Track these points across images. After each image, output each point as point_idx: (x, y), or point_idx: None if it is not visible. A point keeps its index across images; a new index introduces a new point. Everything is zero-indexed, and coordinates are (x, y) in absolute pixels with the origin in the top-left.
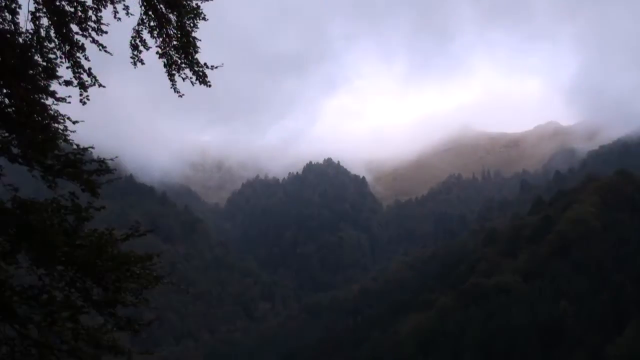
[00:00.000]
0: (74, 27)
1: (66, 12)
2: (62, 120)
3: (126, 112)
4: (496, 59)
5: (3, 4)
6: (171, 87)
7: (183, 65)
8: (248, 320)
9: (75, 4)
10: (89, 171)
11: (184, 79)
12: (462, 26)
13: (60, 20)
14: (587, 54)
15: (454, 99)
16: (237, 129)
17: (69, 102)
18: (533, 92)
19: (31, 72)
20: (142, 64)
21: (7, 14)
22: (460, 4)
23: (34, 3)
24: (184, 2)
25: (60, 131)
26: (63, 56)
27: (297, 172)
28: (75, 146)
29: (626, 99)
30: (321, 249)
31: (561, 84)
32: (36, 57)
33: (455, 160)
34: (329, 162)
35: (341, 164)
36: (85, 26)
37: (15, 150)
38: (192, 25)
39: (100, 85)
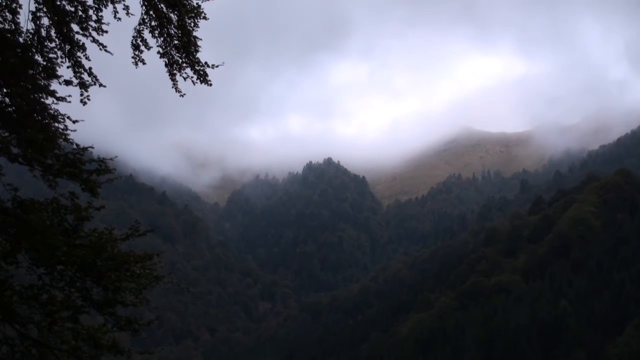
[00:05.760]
0: (75, 27)
1: (67, 11)
2: (62, 120)
3: (126, 112)
4: (496, 58)
5: (3, 3)
6: (172, 87)
7: (184, 65)
8: (248, 320)
9: (75, 3)
10: (89, 171)
11: (185, 79)
12: (462, 25)
13: (60, 19)
14: (587, 53)
15: (453, 99)
16: (238, 129)
17: (69, 102)
18: (533, 91)
19: (31, 71)
20: (144, 63)
21: (7, 13)
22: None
23: (34, 3)
24: (185, 2)
25: (61, 130)
26: (63, 56)
27: (297, 172)
28: (75, 146)
29: (626, 98)
30: (321, 249)
31: (561, 84)
32: (36, 57)
33: (455, 160)
34: (329, 162)
35: (341, 164)
36: (85, 26)
37: (15, 150)
38: (192, 24)
39: (100, 85)
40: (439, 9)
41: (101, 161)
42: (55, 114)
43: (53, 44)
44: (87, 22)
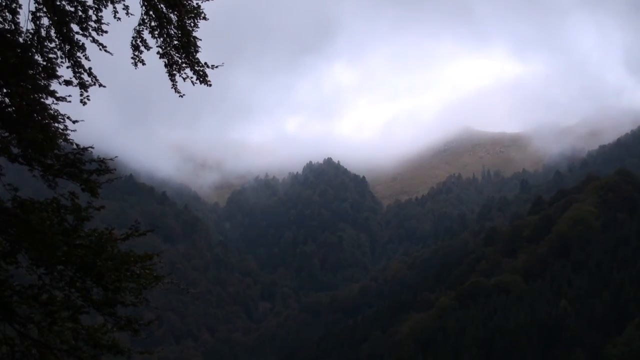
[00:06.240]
0: (75, 27)
1: (66, 11)
2: (62, 120)
3: (126, 112)
4: (497, 58)
5: (3, 3)
6: (172, 87)
7: (184, 65)
8: (248, 320)
9: (75, 3)
10: (89, 171)
11: (184, 79)
12: (460, 25)
13: (60, 20)
14: (586, 55)
15: (453, 99)
16: (238, 129)
17: (69, 102)
18: (533, 92)
19: (31, 71)
20: (143, 64)
21: (7, 13)
22: None
23: (34, 3)
24: (185, 2)
25: (61, 131)
26: (63, 56)
27: (297, 172)
28: (75, 146)
29: (625, 99)
30: (321, 249)
31: (561, 84)
32: (36, 57)
33: (455, 160)
34: (329, 162)
35: (341, 164)
36: (85, 26)
37: (15, 150)
38: (192, 24)
39: (100, 85)
40: (437, 9)
41: (101, 161)
42: (55, 114)
43: (53, 44)
44: (87, 22)
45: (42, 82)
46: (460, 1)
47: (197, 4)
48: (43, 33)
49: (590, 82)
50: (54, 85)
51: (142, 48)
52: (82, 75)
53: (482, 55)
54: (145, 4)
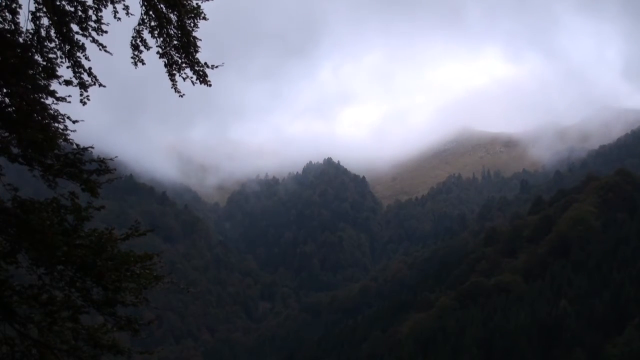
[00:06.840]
0: (74, 27)
1: (66, 11)
2: (62, 120)
3: (126, 112)
4: (496, 57)
5: (3, 3)
6: (172, 87)
7: (184, 65)
8: (248, 320)
9: (75, 3)
10: (89, 171)
11: (184, 79)
12: (460, 26)
13: (60, 20)
14: (582, 55)
15: (453, 99)
16: (237, 129)
17: (69, 102)
18: (533, 91)
19: (31, 71)
20: (143, 64)
21: (7, 13)
22: None
23: (34, 3)
24: (185, 2)
25: (61, 131)
26: (63, 56)
27: (297, 172)
28: (75, 146)
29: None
30: (321, 249)
31: (557, 86)
32: (36, 57)
33: (455, 160)
34: (329, 162)
35: (341, 164)
36: (85, 26)
37: (15, 150)
38: (192, 24)
39: (100, 85)
40: (437, 9)
41: (101, 161)
42: (55, 114)
43: (53, 44)
44: (86, 22)
45: (42, 82)
46: (451, 4)
47: (197, 4)
48: (43, 33)
49: (587, 83)
50: (54, 85)
51: (142, 48)
52: (82, 75)
53: (476, 57)
54: (145, 4)
